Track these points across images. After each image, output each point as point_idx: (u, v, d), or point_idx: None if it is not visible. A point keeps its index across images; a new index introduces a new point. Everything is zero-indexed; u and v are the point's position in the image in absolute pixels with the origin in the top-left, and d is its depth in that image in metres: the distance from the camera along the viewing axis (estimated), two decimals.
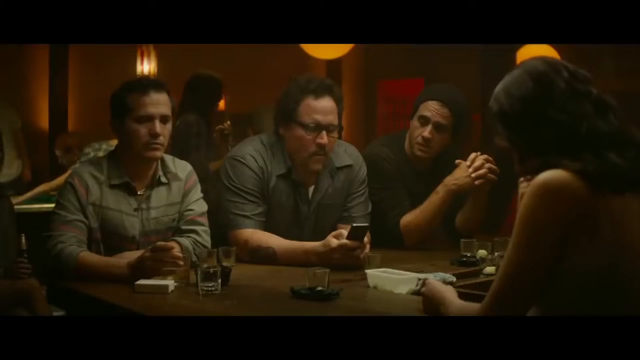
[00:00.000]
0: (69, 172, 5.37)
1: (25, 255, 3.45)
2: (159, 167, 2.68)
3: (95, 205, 2.57)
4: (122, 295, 2.24)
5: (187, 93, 5.11)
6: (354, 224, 2.69)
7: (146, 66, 7.09)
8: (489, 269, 2.57)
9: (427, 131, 3.14)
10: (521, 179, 1.92)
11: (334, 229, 2.84)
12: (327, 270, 2.23)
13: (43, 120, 7.08)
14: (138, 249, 2.56)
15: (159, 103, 2.59)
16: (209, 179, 3.78)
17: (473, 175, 3.02)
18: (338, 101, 2.90)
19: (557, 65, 1.72)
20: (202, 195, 2.77)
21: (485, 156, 3.05)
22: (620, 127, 1.68)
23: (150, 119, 2.56)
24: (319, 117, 2.83)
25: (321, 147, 2.84)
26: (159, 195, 2.67)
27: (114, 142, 2.82)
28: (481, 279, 2.53)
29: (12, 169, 6.23)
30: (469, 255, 2.74)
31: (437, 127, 3.15)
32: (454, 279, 2.40)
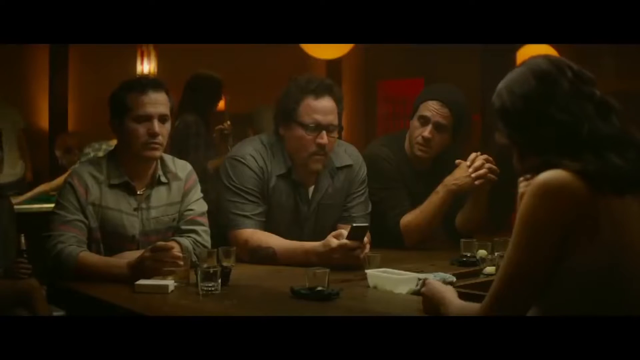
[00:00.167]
0: (69, 172, 5.39)
1: (25, 255, 3.46)
2: (159, 166, 2.67)
3: (95, 205, 2.57)
4: (122, 295, 2.24)
5: (187, 93, 5.11)
6: (354, 224, 2.69)
7: (146, 66, 7.09)
8: (489, 269, 2.57)
9: (427, 131, 3.14)
10: (521, 178, 1.92)
11: (334, 229, 2.84)
12: (327, 270, 2.23)
13: (43, 120, 7.08)
14: (138, 248, 2.56)
15: (158, 102, 2.58)
16: (208, 179, 3.78)
17: (473, 175, 3.02)
18: (338, 101, 2.90)
19: (561, 65, 1.72)
20: (202, 195, 2.77)
21: (485, 156, 3.05)
22: (621, 128, 1.68)
23: (148, 118, 2.56)
24: (319, 117, 2.83)
25: (321, 147, 2.84)
26: (158, 195, 2.67)
27: (113, 142, 2.82)
28: (481, 279, 2.53)
29: (16, 169, 6.25)
30: (469, 255, 2.74)
31: (437, 127, 3.15)
32: (454, 279, 2.40)
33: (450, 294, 1.91)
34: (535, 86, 1.70)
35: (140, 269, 2.34)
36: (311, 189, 2.97)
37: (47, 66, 7.05)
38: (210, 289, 2.21)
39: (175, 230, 2.69)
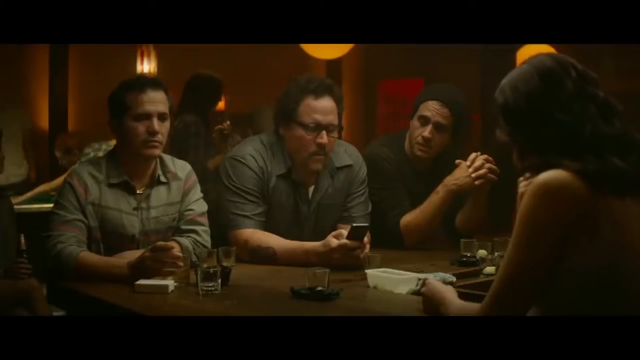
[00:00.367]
0: (68, 172, 5.39)
1: (25, 255, 3.46)
2: (158, 166, 2.67)
3: (95, 205, 2.57)
4: (122, 295, 2.24)
5: (187, 93, 5.11)
6: (354, 224, 2.69)
7: (146, 66, 7.10)
8: (489, 269, 2.57)
9: (427, 131, 3.14)
10: (521, 178, 1.92)
11: (334, 229, 2.84)
12: (327, 270, 2.23)
13: (43, 120, 7.08)
14: (138, 248, 2.56)
15: (157, 101, 2.59)
16: (208, 178, 3.78)
17: (473, 175, 3.02)
18: (338, 101, 2.90)
19: (566, 64, 1.71)
20: (202, 195, 2.77)
21: (485, 156, 3.05)
22: (624, 130, 1.68)
23: (147, 116, 2.56)
24: (319, 117, 2.83)
25: (321, 147, 2.84)
26: (158, 195, 2.67)
27: (113, 143, 2.82)
28: (481, 279, 2.53)
29: (21, 169, 6.28)
30: (469, 255, 2.74)
31: (437, 127, 3.15)
32: (454, 279, 2.40)
33: (450, 294, 1.91)
34: (538, 84, 1.69)
35: (140, 269, 2.34)
36: (311, 189, 2.97)
37: (47, 66, 7.05)
38: (210, 289, 2.21)
39: (175, 230, 2.69)
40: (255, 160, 2.89)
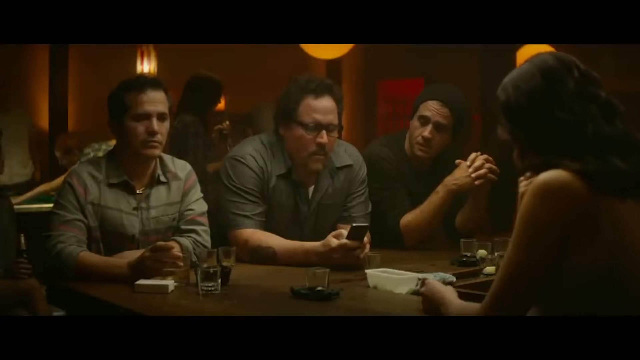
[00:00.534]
0: (68, 172, 5.39)
1: (25, 255, 3.46)
2: (158, 166, 2.67)
3: (94, 205, 2.57)
4: (122, 295, 2.24)
5: (187, 93, 5.11)
6: (354, 224, 2.69)
7: (146, 66, 7.10)
8: (489, 269, 2.57)
9: (427, 131, 3.14)
10: (521, 177, 1.92)
11: (334, 229, 2.84)
12: (327, 270, 2.23)
13: (43, 120, 7.08)
14: (138, 248, 2.56)
15: (156, 101, 2.59)
16: (207, 180, 3.78)
17: (473, 175, 3.02)
18: (338, 101, 2.90)
19: (569, 64, 1.71)
20: (202, 195, 2.77)
21: (485, 156, 3.05)
22: (625, 131, 1.68)
23: (147, 116, 2.56)
24: (319, 117, 2.83)
25: (321, 146, 2.84)
26: (158, 195, 2.67)
27: (113, 143, 2.82)
28: (481, 279, 2.53)
29: (26, 170, 6.28)
30: (469, 255, 2.74)
31: (437, 127, 3.15)
32: (454, 279, 2.40)
33: (450, 294, 1.91)
34: (540, 83, 1.69)
35: (140, 268, 2.34)
36: (311, 189, 2.97)
37: (47, 66, 7.05)
38: (210, 289, 2.21)
39: (175, 230, 2.69)
40: (255, 160, 2.89)
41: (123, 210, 2.60)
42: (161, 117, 2.59)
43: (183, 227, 2.68)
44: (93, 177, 2.59)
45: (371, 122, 8.30)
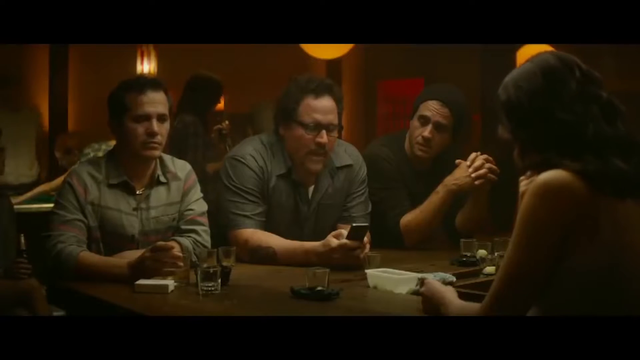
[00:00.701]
0: (68, 172, 5.39)
1: (25, 255, 3.46)
2: (158, 166, 2.67)
3: (94, 205, 2.57)
4: (122, 295, 2.24)
5: (186, 93, 5.11)
6: (354, 224, 2.69)
7: (146, 66, 7.10)
8: (489, 269, 2.57)
9: (427, 131, 3.14)
10: (522, 177, 1.92)
11: (334, 229, 2.84)
12: (327, 270, 2.23)
13: (43, 121, 7.08)
14: (138, 248, 2.56)
15: (156, 102, 2.58)
16: (207, 180, 3.78)
17: (473, 175, 3.02)
18: (338, 101, 2.90)
19: (571, 64, 1.71)
20: (202, 195, 2.77)
21: (485, 156, 3.05)
22: (627, 132, 1.68)
23: (147, 118, 2.56)
24: (319, 117, 2.83)
25: (321, 146, 2.84)
26: (158, 195, 2.67)
27: (113, 143, 2.82)
28: (481, 279, 2.53)
29: (32, 170, 6.30)
30: (469, 255, 2.74)
31: (437, 126, 3.15)
32: (454, 279, 2.40)
33: (450, 294, 1.91)
34: (541, 83, 1.69)
35: (140, 268, 2.34)
36: (311, 188, 2.97)
37: (47, 66, 7.05)
38: (210, 289, 2.21)
39: (175, 230, 2.69)
40: (255, 160, 2.89)
41: (123, 210, 2.60)
42: (161, 118, 2.59)
43: (183, 227, 2.68)
44: (93, 177, 2.59)
45: (371, 122, 8.30)
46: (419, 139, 3.17)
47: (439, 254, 2.96)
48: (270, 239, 2.81)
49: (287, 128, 2.90)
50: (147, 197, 2.65)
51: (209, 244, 2.68)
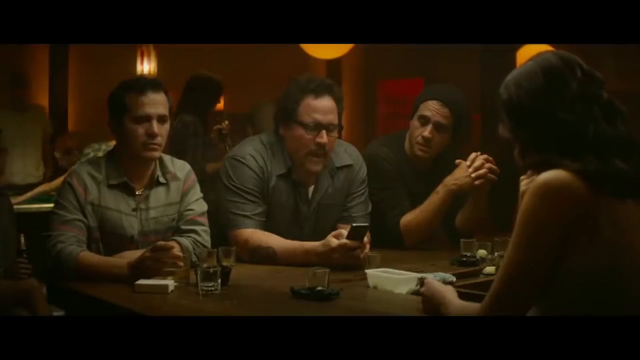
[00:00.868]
0: (68, 172, 5.40)
1: (25, 255, 3.46)
2: (158, 167, 2.67)
3: (94, 205, 2.57)
4: (122, 295, 2.24)
5: (186, 93, 5.11)
6: (354, 224, 2.69)
7: (146, 66, 7.11)
8: (489, 269, 2.57)
9: (427, 131, 3.14)
10: (523, 176, 1.92)
11: (334, 229, 2.84)
12: (327, 270, 2.23)
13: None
14: (137, 248, 2.56)
15: (157, 103, 2.58)
16: (206, 180, 3.78)
17: (473, 175, 3.02)
18: (338, 101, 2.90)
19: (572, 63, 1.70)
20: (201, 195, 2.77)
21: (485, 156, 3.05)
22: (627, 133, 1.67)
23: (147, 119, 2.56)
24: (319, 117, 2.83)
25: (321, 146, 2.84)
26: (157, 195, 2.67)
27: (113, 143, 2.82)
28: (481, 279, 2.53)
29: (39, 171, 6.30)
30: (469, 255, 2.74)
31: (437, 126, 3.15)
32: (454, 279, 2.40)
33: (450, 294, 1.91)
34: (542, 82, 1.69)
35: (140, 268, 2.34)
36: (311, 188, 2.97)
37: (47, 66, 7.05)
38: (210, 289, 2.21)
39: (175, 230, 2.69)
40: (255, 160, 2.89)
41: (122, 211, 2.60)
42: (161, 119, 2.59)
43: (183, 227, 2.68)
44: (93, 177, 2.59)
45: (371, 122, 8.30)
46: (419, 139, 3.17)
47: (439, 254, 2.96)
48: (270, 239, 2.81)
49: (287, 128, 2.90)
50: (147, 198, 2.65)
51: (209, 244, 2.68)
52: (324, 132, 2.84)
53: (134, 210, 2.62)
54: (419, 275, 2.30)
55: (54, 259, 2.45)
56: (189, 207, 2.70)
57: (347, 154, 3.06)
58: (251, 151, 2.91)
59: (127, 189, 2.62)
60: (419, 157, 3.21)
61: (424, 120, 3.16)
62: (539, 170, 1.67)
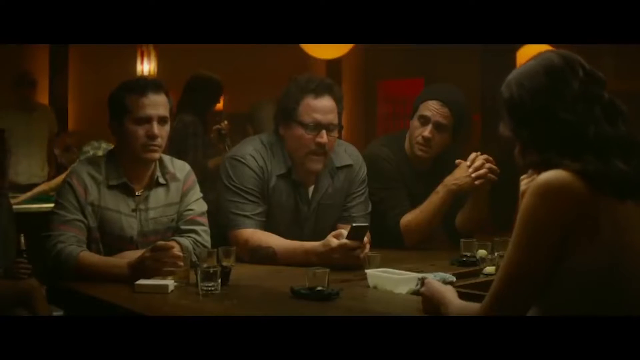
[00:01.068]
0: (68, 171, 5.41)
1: (25, 255, 3.46)
2: (157, 168, 2.67)
3: (94, 205, 2.57)
4: (122, 295, 2.24)
5: (186, 93, 5.11)
6: (354, 224, 2.69)
7: (146, 66, 7.11)
8: (489, 269, 2.57)
9: (427, 131, 3.14)
10: (523, 176, 1.92)
11: (334, 229, 2.84)
12: (327, 270, 2.23)
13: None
14: (137, 249, 2.56)
15: (157, 104, 2.58)
16: (208, 177, 3.78)
17: (473, 175, 3.02)
18: (338, 101, 2.90)
19: (574, 63, 1.70)
20: (201, 195, 2.77)
21: (485, 156, 3.05)
22: (628, 133, 1.67)
23: (148, 120, 2.56)
24: (319, 116, 2.83)
25: (320, 146, 2.84)
26: (157, 196, 2.67)
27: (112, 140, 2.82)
28: (481, 279, 2.53)
29: (44, 171, 6.30)
30: (469, 255, 2.74)
31: (437, 126, 3.15)
32: (454, 279, 2.40)
33: (450, 294, 1.91)
34: (544, 81, 1.68)
35: (140, 268, 2.34)
36: (311, 188, 2.97)
37: (47, 66, 7.05)
38: (210, 289, 2.21)
39: (175, 230, 2.69)
40: (255, 160, 2.89)
41: (122, 212, 2.60)
42: (162, 120, 2.59)
43: (183, 227, 2.68)
44: (93, 177, 2.59)
45: (371, 122, 8.30)
46: (419, 139, 3.17)
47: (439, 254, 2.96)
48: (270, 239, 2.81)
49: (287, 128, 2.90)
50: (146, 199, 2.65)
51: (209, 244, 2.68)
52: (323, 131, 2.84)
53: (134, 210, 2.62)
54: (419, 275, 2.30)
55: (54, 259, 2.45)
56: (189, 207, 2.70)
57: (347, 154, 3.06)
58: (251, 151, 2.91)
59: (126, 190, 2.62)
60: (419, 157, 3.21)
61: (424, 120, 3.16)
62: (539, 170, 1.67)
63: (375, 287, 2.35)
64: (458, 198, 3.13)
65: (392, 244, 3.06)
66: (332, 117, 2.86)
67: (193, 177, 2.77)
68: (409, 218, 3.13)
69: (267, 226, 2.87)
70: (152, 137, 2.56)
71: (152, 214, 2.64)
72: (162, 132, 2.59)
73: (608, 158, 1.62)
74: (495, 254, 2.62)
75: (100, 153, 4.89)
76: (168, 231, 2.68)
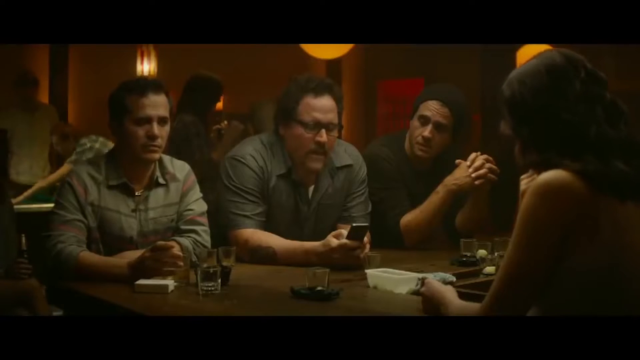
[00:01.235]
0: (65, 166, 5.41)
1: (26, 255, 3.46)
2: (157, 168, 2.67)
3: (94, 205, 2.57)
4: (122, 295, 2.24)
5: (186, 93, 5.11)
6: (354, 224, 2.69)
7: (146, 66, 7.11)
8: (489, 269, 2.57)
9: (427, 131, 3.14)
10: (523, 175, 1.92)
11: (334, 229, 2.84)
12: (327, 270, 2.23)
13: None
14: (137, 249, 2.56)
15: (157, 105, 2.58)
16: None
17: (473, 175, 3.02)
18: (338, 100, 2.90)
19: (576, 63, 1.70)
20: (201, 195, 2.77)
21: (485, 156, 3.05)
22: (628, 134, 1.67)
23: (148, 121, 2.56)
24: (319, 116, 2.83)
25: (320, 145, 2.84)
26: (156, 196, 2.67)
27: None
28: (481, 279, 2.53)
29: (45, 172, 6.32)
30: (469, 255, 2.74)
31: (438, 126, 3.15)
32: (454, 279, 2.40)
33: (450, 294, 1.91)
34: (546, 80, 1.68)
35: (140, 268, 2.34)
36: (311, 188, 2.97)
37: (47, 66, 7.05)
38: (210, 289, 2.21)
39: (175, 230, 2.69)
40: (255, 160, 2.89)
41: (122, 212, 2.60)
42: (162, 121, 2.59)
43: (183, 227, 2.68)
44: (93, 178, 2.59)
45: (371, 122, 8.30)
46: (419, 138, 3.17)
47: (439, 254, 2.96)
48: (270, 239, 2.81)
49: (287, 127, 2.90)
50: (146, 199, 2.65)
51: (209, 244, 2.68)
52: (323, 131, 2.84)
53: (134, 211, 2.62)
54: (419, 275, 2.30)
55: (54, 258, 2.45)
56: (189, 207, 2.70)
57: (347, 153, 3.06)
58: (251, 151, 2.91)
59: (126, 190, 2.62)
60: (419, 157, 3.21)
61: (424, 120, 3.16)
62: (539, 169, 1.67)
63: (375, 287, 2.35)
64: (458, 198, 3.13)
65: (392, 244, 3.06)
66: (332, 117, 2.86)
67: (193, 177, 2.77)
68: (409, 218, 3.13)
69: (267, 226, 2.87)
70: (152, 137, 2.56)
71: (151, 214, 2.65)
72: (162, 132, 2.59)
73: (608, 158, 1.61)
74: (495, 254, 2.62)
75: (97, 146, 4.89)
76: (168, 231, 2.68)
